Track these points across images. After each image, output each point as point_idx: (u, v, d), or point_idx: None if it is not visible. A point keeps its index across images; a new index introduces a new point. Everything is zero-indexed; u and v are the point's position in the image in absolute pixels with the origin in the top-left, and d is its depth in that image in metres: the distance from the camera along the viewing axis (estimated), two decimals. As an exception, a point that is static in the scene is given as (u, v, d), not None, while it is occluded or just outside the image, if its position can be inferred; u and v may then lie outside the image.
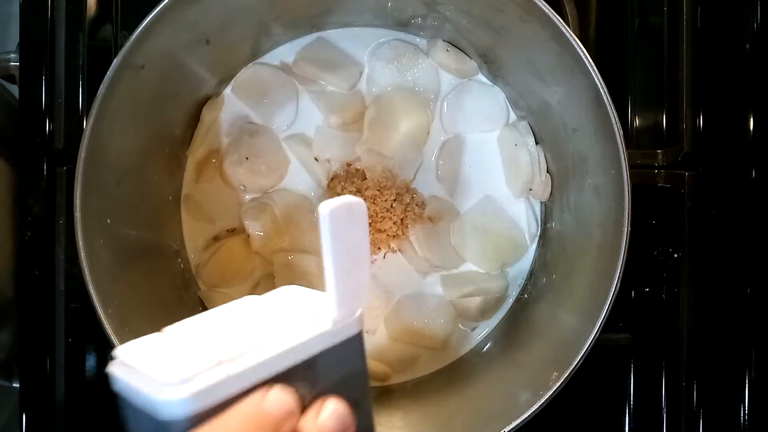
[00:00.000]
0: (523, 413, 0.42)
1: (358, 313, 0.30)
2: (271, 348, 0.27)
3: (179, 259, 0.55)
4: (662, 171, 0.54)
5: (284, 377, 0.27)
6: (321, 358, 0.28)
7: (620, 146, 0.42)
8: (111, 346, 0.42)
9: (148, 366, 0.24)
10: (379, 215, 0.54)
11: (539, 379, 0.44)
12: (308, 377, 0.28)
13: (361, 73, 0.57)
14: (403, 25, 0.56)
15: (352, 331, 0.30)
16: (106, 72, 0.42)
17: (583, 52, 0.42)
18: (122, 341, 0.42)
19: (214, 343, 0.26)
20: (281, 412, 0.26)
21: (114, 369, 0.26)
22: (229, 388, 0.25)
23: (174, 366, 0.24)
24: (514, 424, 0.42)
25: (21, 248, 0.52)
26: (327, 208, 0.27)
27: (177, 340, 0.27)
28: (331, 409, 0.28)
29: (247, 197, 0.56)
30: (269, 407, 0.26)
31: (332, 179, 0.56)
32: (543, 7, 0.42)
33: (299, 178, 0.56)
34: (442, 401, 0.52)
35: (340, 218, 0.27)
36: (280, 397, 0.27)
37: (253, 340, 0.27)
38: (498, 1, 0.45)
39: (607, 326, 0.42)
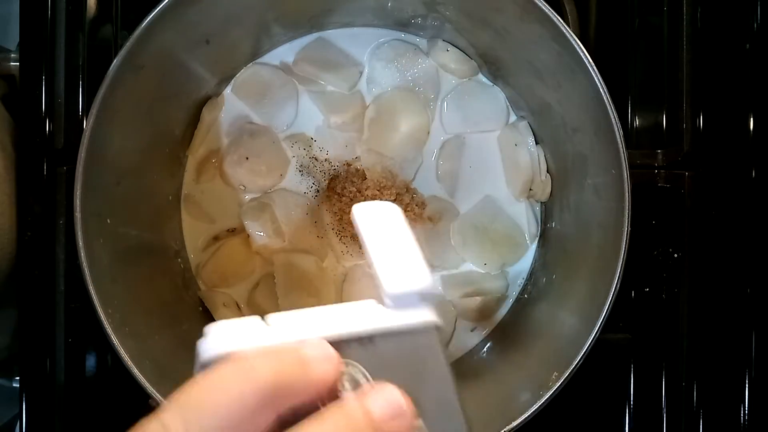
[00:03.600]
0: (523, 413, 0.42)
1: (420, 299, 0.27)
2: (319, 312, 0.25)
3: (179, 259, 0.55)
4: (662, 171, 0.54)
5: (335, 347, 0.24)
6: (380, 342, 0.25)
7: (620, 146, 0.42)
8: (111, 346, 0.42)
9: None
10: (379, 215, 0.54)
11: (539, 379, 0.44)
12: (364, 359, 0.25)
13: (361, 73, 0.57)
14: (403, 25, 0.56)
15: (417, 321, 0.26)
16: (106, 72, 0.42)
17: (583, 52, 0.42)
18: (122, 341, 0.42)
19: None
20: (317, 356, 0.23)
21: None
22: (271, 338, 0.24)
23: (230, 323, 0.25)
24: (514, 424, 0.42)
25: (21, 248, 0.52)
26: (356, 208, 0.30)
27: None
28: (387, 394, 0.23)
29: (247, 197, 0.56)
30: (306, 348, 0.23)
31: (332, 179, 0.56)
32: (543, 7, 0.42)
33: (299, 178, 0.56)
34: (442, 401, 0.52)
35: (369, 214, 0.30)
36: (320, 345, 0.23)
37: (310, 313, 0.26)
38: (498, 1, 0.45)
39: (607, 326, 0.42)
